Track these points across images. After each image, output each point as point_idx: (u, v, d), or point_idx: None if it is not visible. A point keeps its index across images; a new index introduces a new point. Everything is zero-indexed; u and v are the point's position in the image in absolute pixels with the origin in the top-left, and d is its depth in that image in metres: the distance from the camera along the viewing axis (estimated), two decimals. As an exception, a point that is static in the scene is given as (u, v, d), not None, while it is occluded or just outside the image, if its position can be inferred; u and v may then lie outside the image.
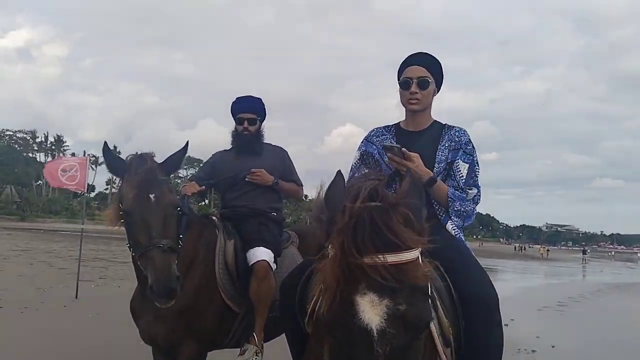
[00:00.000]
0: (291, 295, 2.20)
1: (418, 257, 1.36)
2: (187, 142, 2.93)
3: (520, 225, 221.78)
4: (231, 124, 3.71)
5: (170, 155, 2.86)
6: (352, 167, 2.68)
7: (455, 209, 2.49)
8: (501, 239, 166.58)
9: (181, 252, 2.79)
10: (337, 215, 1.39)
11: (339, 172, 1.55)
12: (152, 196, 2.58)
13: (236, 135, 3.65)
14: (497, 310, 2.25)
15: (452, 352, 2.03)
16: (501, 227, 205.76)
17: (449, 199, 2.48)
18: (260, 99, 3.70)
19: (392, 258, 1.30)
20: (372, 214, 1.34)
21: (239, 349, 3.13)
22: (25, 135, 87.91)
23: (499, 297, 2.27)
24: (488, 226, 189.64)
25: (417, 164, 2.35)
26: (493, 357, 2.26)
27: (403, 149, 2.33)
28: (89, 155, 11.90)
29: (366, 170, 2.61)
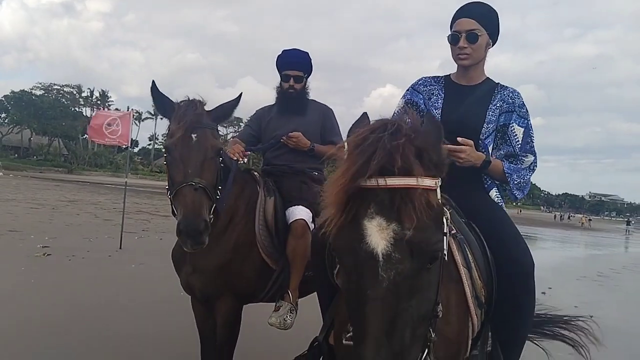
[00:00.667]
0: (320, 248, 2.20)
1: (431, 187, 1.34)
2: (241, 93, 2.92)
3: (563, 194, 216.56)
4: (273, 81, 3.64)
5: (221, 104, 2.86)
6: (394, 115, 2.61)
7: (515, 182, 2.44)
8: (542, 207, 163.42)
9: (222, 206, 2.82)
10: (350, 141, 1.37)
11: (364, 113, 1.51)
12: (194, 136, 2.59)
13: (281, 92, 3.58)
14: (532, 276, 2.23)
15: (482, 313, 2.03)
16: (543, 194, 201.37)
17: (506, 174, 2.42)
18: (307, 54, 3.61)
19: (398, 181, 1.28)
20: (382, 139, 1.31)
21: (274, 304, 3.17)
22: (72, 90, 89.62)
23: (535, 264, 2.24)
24: (529, 193, 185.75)
25: (468, 153, 2.26)
26: (523, 322, 2.25)
27: (449, 146, 2.27)
28: (132, 109, 11.97)
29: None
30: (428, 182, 1.33)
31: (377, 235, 1.27)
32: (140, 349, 4.28)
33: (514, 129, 2.45)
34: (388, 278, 1.25)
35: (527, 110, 2.49)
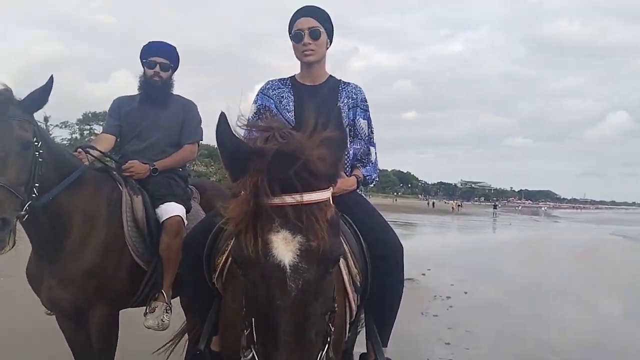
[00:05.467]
0: (197, 251, 2.19)
1: (329, 197, 1.42)
2: (52, 76, 2.62)
3: (438, 182, 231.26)
4: None
5: (31, 92, 2.57)
6: (248, 121, 2.64)
7: (373, 178, 2.67)
8: (420, 196, 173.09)
9: (42, 203, 2.60)
10: (250, 156, 1.38)
11: (222, 114, 1.45)
12: None
13: (145, 81, 3.36)
14: (402, 259, 2.40)
15: (358, 298, 2.16)
16: (420, 184, 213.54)
17: (367, 177, 2.62)
18: (175, 47, 3.45)
19: (305, 197, 1.33)
20: (286, 153, 1.35)
21: (146, 307, 3.05)
22: None
23: (403, 247, 2.41)
24: (408, 183, 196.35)
25: (339, 187, 2.34)
26: (395, 302, 2.42)
27: None
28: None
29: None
30: (329, 193, 1.40)
31: (284, 247, 1.31)
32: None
33: (360, 122, 2.64)
34: (296, 287, 1.30)
35: (368, 104, 2.69)
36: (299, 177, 1.32)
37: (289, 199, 1.32)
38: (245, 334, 1.43)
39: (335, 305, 1.52)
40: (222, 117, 1.43)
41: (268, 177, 1.32)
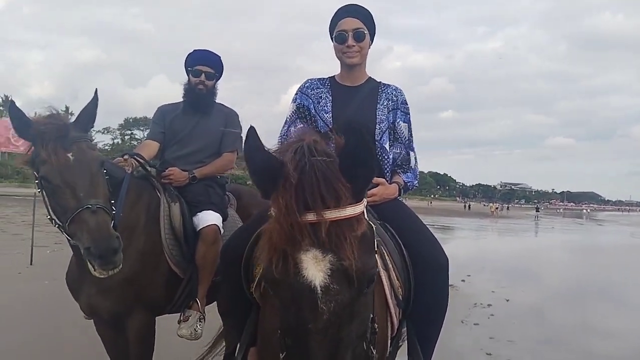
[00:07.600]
0: (234, 260, 2.15)
1: (361, 211, 1.35)
2: (96, 89, 2.60)
3: (476, 184, 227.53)
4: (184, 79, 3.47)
5: (82, 110, 2.57)
6: (286, 120, 2.60)
7: (415, 184, 2.60)
8: (457, 198, 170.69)
9: (119, 218, 2.61)
10: (279, 172, 1.34)
11: (252, 128, 1.42)
12: (70, 155, 2.36)
13: (189, 89, 3.40)
14: (447, 272, 2.31)
15: (400, 312, 2.08)
16: (458, 186, 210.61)
17: (408, 184, 2.55)
18: (220, 57, 3.49)
19: (334, 214, 1.28)
20: (313, 170, 1.31)
21: (180, 314, 3.07)
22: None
23: (448, 259, 2.31)
24: (445, 185, 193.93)
25: (380, 194, 2.35)
26: (440, 317, 2.33)
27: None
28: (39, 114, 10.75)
29: (301, 125, 2.56)
30: (359, 208, 1.34)
31: (314, 267, 1.25)
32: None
33: (400, 126, 2.56)
34: (328, 310, 1.25)
35: (408, 107, 2.61)
36: (326, 194, 1.28)
37: (316, 217, 1.27)
38: (282, 356, 1.37)
39: (377, 326, 1.45)
40: (252, 132, 1.38)
41: (295, 195, 1.28)
